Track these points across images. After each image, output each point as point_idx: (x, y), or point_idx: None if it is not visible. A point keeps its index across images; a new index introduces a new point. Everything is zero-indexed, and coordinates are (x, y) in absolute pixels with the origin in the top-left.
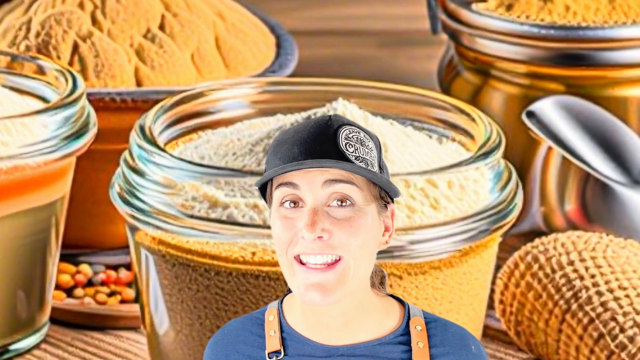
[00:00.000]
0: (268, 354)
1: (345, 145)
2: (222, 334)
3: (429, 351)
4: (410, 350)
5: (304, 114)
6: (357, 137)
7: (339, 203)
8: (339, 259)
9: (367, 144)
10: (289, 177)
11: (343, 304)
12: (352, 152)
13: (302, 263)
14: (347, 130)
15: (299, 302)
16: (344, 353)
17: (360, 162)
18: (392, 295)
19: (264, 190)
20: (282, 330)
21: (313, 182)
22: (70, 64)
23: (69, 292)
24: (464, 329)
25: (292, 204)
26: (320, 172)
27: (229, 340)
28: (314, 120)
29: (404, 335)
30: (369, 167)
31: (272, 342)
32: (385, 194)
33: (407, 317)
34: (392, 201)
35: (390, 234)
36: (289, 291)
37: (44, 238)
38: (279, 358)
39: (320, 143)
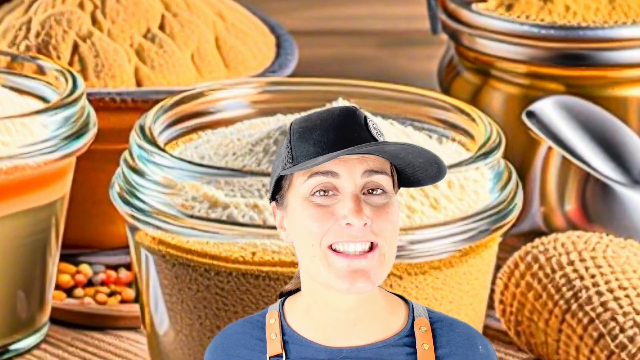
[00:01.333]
0: (269, 358)
1: (375, 133)
2: (222, 338)
3: (434, 353)
4: (415, 353)
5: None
6: (377, 127)
7: (370, 191)
8: (373, 247)
9: (383, 134)
10: (328, 165)
11: (360, 297)
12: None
13: (335, 252)
14: (370, 120)
15: (307, 299)
16: (347, 355)
17: None
18: (393, 293)
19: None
20: (283, 333)
21: (353, 170)
22: (70, 64)
23: (69, 292)
24: (471, 327)
25: (322, 192)
26: (360, 162)
27: (229, 345)
28: (338, 109)
29: (408, 336)
30: None
31: (274, 345)
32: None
33: (412, 317)
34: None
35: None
36: (289, 293)
37: (44, 238)
38: None
39: (356, 130)
